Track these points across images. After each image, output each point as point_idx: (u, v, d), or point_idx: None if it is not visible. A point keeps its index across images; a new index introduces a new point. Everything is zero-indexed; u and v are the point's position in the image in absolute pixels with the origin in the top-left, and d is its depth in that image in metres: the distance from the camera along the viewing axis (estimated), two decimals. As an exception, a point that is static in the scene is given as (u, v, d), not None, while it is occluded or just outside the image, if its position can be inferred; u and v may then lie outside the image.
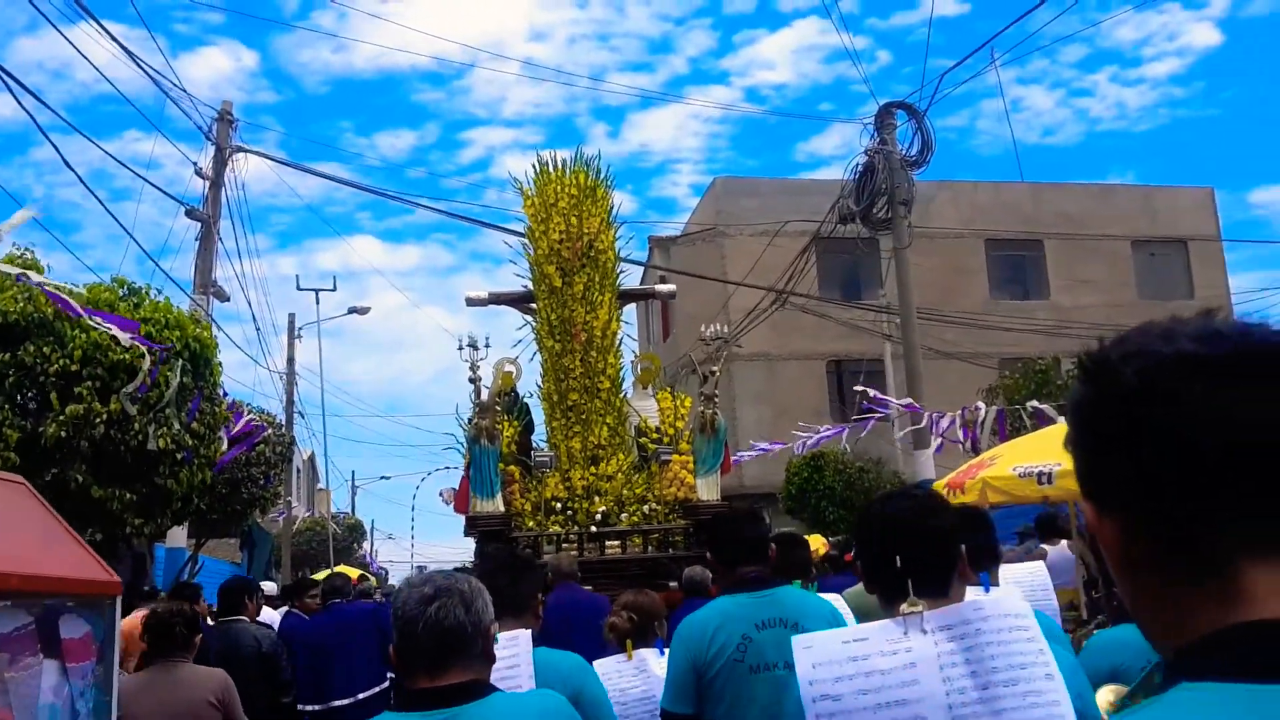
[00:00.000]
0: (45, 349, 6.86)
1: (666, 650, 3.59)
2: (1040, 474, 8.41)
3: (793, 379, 25.36)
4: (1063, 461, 8.29)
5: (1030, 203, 27.28)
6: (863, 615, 3.42)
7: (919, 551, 2.09)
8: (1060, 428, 9.06)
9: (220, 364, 8.99)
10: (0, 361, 6.76)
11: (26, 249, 7.62)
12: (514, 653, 3.01)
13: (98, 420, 6.93)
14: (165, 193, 16.27)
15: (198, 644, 5.02)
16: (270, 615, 9.49)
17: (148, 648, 4.79)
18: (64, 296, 6.22)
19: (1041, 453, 8.82)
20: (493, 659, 2.25)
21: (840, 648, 2.04)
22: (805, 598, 3.49)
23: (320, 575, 22.55)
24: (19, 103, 10.96)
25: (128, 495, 7.46)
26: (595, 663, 4.05)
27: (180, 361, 7.71)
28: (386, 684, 7.29)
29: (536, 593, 3.44)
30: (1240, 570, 0.83)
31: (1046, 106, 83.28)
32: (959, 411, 12.19)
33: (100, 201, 31.97)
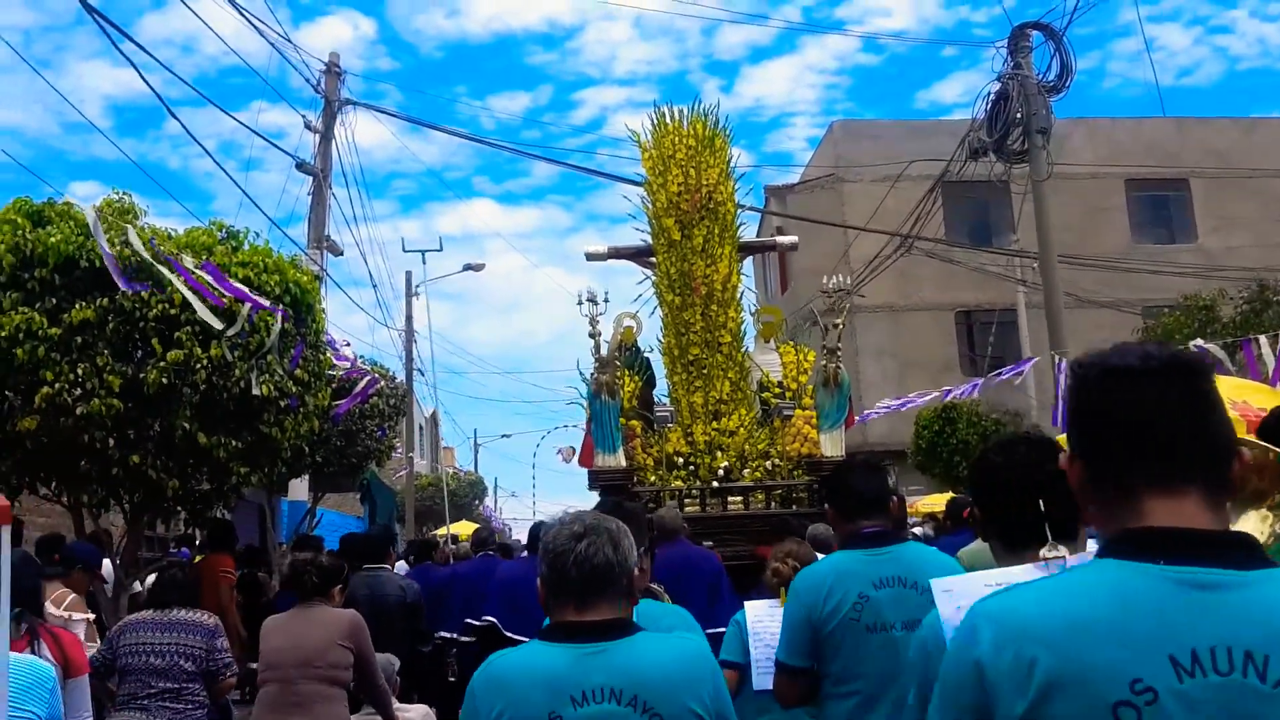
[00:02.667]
0: (144, 294, 6.66)
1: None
2: None
3: (919, 330, 24.42)
4: None
5: (1174, 139, 25.51)
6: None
7: (1054, 496, 2.03)
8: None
9: (324, 310, 8.78)
10: (99, 306, 6.60)
11: (124, 193, 7.48)
12: None
13: (199, 366, 6.75)
14: (276, 145, 16.50)
15: (338, 594, 5.29)
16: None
17: (287, 592, 5.27)
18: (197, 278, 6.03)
19: None
20: (635, 599, 2.31)
21: (984, 590, 1.89)
22: (925, 555, 3.34)
23: (440, 532, 22.65)
24: (146, 82, 11.06)
25: (234, 443, 7.27)
26: (749, 603, 4.14)
27: (281, 307, 7.47)
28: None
29: (643, 544, 3.25)
30: (1140, 497, 1.42)
31: (1183, 45, 78.81)
32: None
33: (221, 167, 32.73)
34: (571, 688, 2.09)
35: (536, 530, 10.00)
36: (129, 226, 6.32)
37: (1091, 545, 2.09)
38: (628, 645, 2.17)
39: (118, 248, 6.67)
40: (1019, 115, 12.79)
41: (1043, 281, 13.27)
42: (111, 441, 6.73)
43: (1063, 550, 2.01)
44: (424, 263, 27.02)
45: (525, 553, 9.26)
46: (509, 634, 7.81)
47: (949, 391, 17.20)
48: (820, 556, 4.25)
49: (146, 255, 6.63)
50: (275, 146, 33.26)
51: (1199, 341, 10.48)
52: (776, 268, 28.65)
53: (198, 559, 9.23)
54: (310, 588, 5.11)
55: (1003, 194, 23.28)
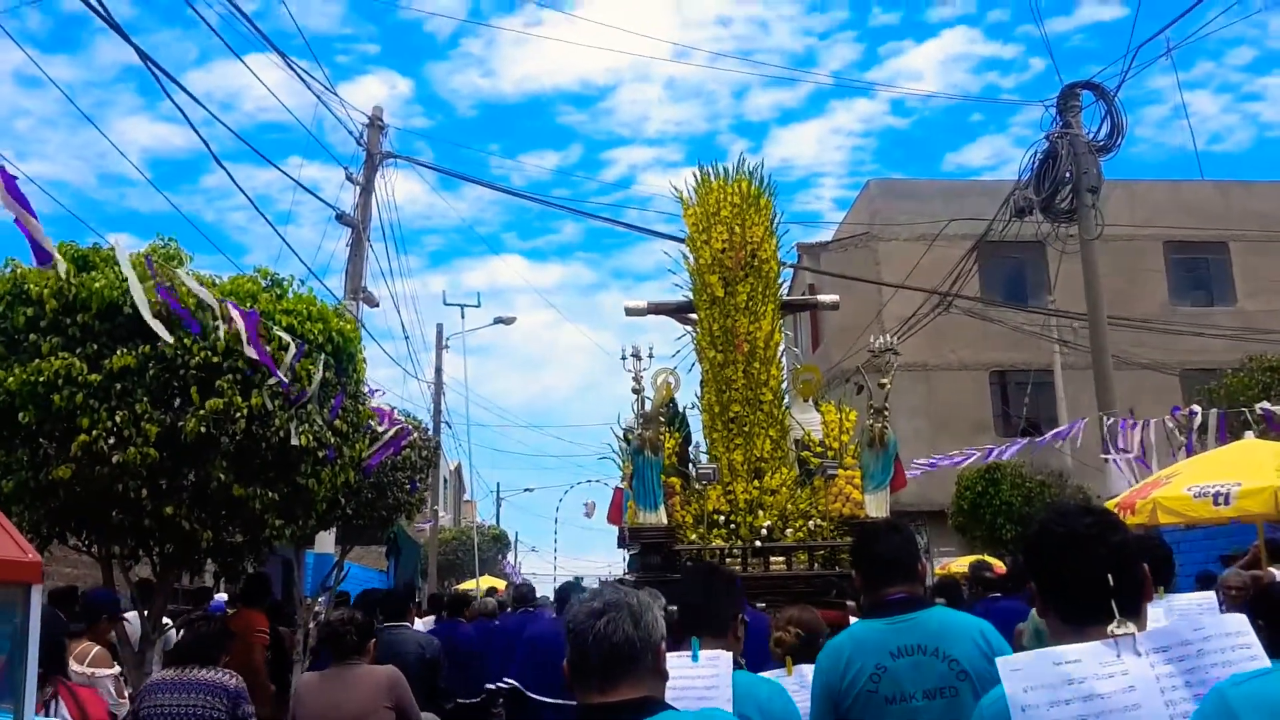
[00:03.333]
0: (186, 340, 6.52)
1: None
2: (1217, 494, 7.83)
3: (952, 390, 24.10)
4: (1243, 480, 7.81)
5: (1215, 202, 25.29)
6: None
7: (1117, 569, 2.03)
8: (1247, 443, 8.10)
9: (365, 360, 8.62)
10: (141, 354, 6.45)
11: (170, 239, 7.37)
12: (714, 673, 2.99)
13: (238, 415, 6.58)
14: (316, 195, 16.42)
15: (372, 649, 5.24)
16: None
17: (325, 651, 5.10)
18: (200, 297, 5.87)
19: (1220, 471, 8.23)
20: (665, 675, 2.19)
21: (1053, 670, 1.96)
22: (948, 619, 3.18)
23: (466, 586, 22.32)
24: (195, 130, 11.14)
25: (269, 495, 7.07)
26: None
27: (323, 356, 7.31)
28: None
29: (737, 613, 3.28)
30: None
31: (1212, 111, 78.96)
32: (1166, 416, 10.96)
33: (261, 212, 32.99)
34: None
35: (564, 592, 9.87)
36: (179, 270, 6.18)
37: (1152, 623, 2.08)
38: None
39: (159, 295, 6.53)
40: (1068, 174, 12.60)
41: (1091, 342, 13.02)
42: (144, 491, 6.55)
43: (1132, 627, 1.96)
44: (463, 316, 27.91)
45: (554, 612, 9.17)
46: (532, 695, 7.63)
47: (992, 451, 16.88)
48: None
49: (205, 294, 6.50)
50: (316, 196, 33.42)
51: (1265, 404, 10.17)
52: (808, 326, 28.45)
53: (229, 612, 9.02)
54: (350, 647, 5.04)
55: (1039, 254, 23.10)
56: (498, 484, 55.23)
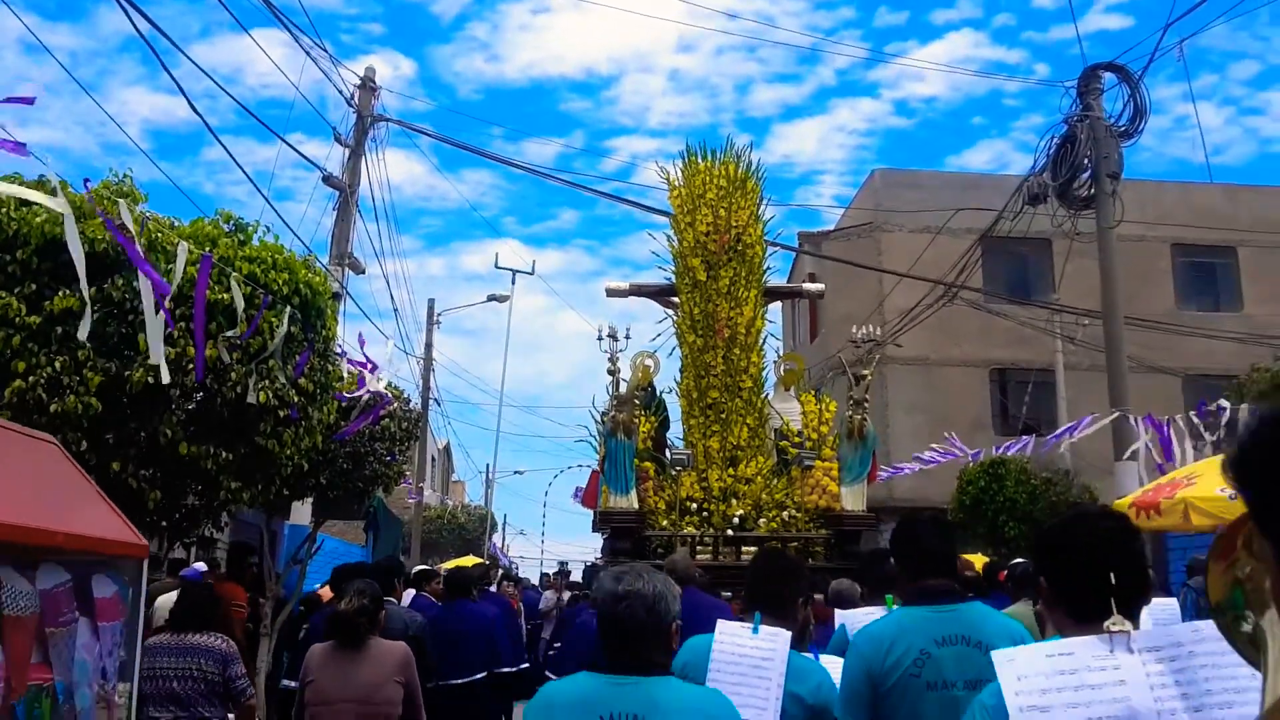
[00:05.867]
0: (135, 284, 6.03)
1: (819, 656, 3.72)
2: None
3: (952, 386, 23.68)
4: None
5: (1224, 206, 24.81)
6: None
7: (1128, 572, 2.11)
8: None
9: (336, 317, 8.13)
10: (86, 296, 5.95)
11: (125, 174, 6.87)
12: (771, 647, 3.29)
13: (190, 367, 6.09)
14: (305, 157, 15.87)
15: (383, 620, 5.28)
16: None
17: (336, 639, 5.00)
18: (124, 235, 5.31)
19: None
20: (671, 651, 2.61)
21: (1045, 661, 2.03)
22: (989, 615, 3.27)
23: (449, 565, 21.92)
24: (192, 105, 10.69)
25: (224, 454, 6.59)
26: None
27: (289, 309, 6.82)
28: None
29: (798, 597, 3.54)
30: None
31: (1215, 124, 78.80)
32: (1191, 413, 10.49)
33: (256, 185, 32.56)
34: (602, 709, 2.42)
35: (591, 574, 9.74)
36: (121, 201, 5.69)
37: (1146, 623, 2.16)
38: (659, 684, 2.47)
39: (110, 234, 6.04)
40: (1087, 159, 12.10)
41: (1105, 334, 12.53)
42: (85, 444, 6.07)
43: (1128, 625, 2.03)
44: (513, 282, 27.50)
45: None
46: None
47: (1000, 448, 16.48)
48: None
49: (142, 242, 5.99)
50: (302, 156, 33.12)
51: None
52: (807, 315, 28.01)
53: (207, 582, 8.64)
54: (362, 635, 4.97)
55: (1044, 251, 22.64)
56: (487, 465, 54.83)
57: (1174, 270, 24.88)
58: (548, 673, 6.94)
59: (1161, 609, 4.99)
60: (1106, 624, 2.02)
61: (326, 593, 9.20)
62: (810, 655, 3.63)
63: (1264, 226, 24.45)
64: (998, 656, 2.09)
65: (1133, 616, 2.08)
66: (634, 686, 2.44)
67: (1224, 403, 9.96)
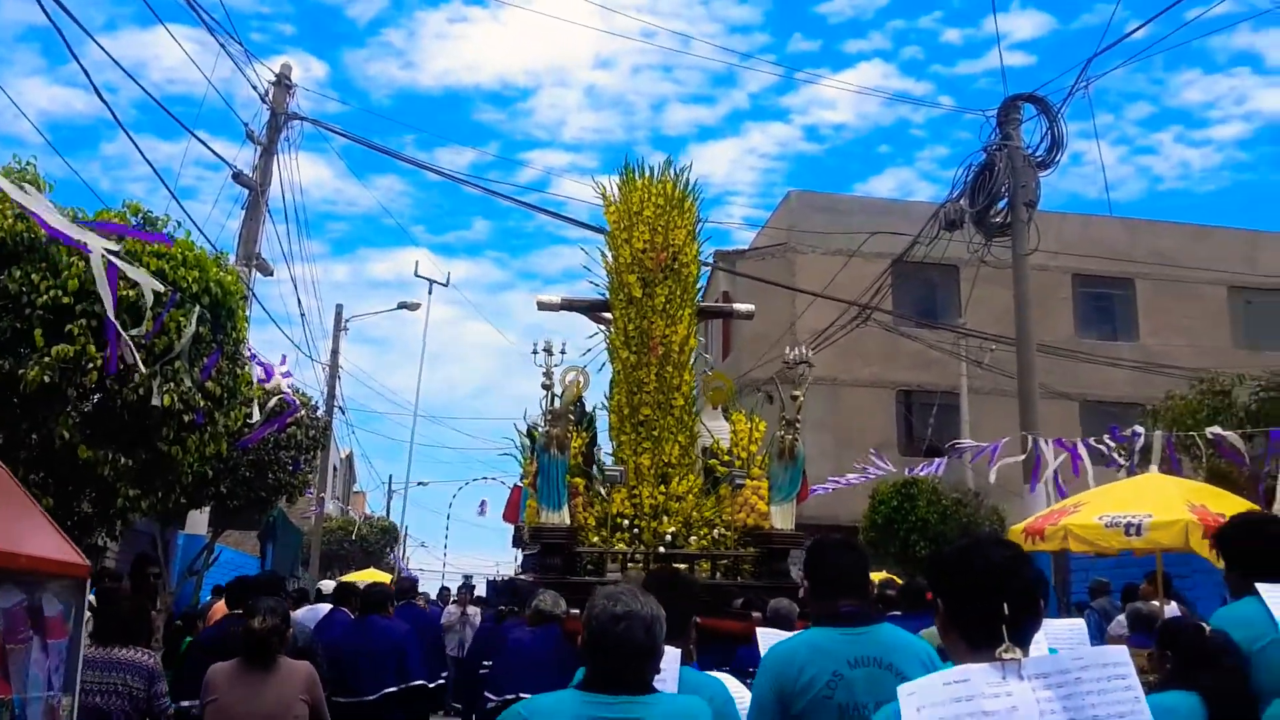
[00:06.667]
0: (34, 276, 5.69)
1: (738, 677, 3.62)
2: (1129, 525, 7.87)
3: (859, 407, 24.02)
4: (1154, 513, 7.86)
5: (1122, 239, 25.69)
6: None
7: (1020, 600, 2.16)
8: (1152, 477, 8.28)
9: (247, 318, 7.81)
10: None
11: (28, 162, 6.49)
12: (662, 669, 3.17)
13: (90, 367, 5.76)
14: (214, 152, 15.32)
15: (289, 636, 5.25)
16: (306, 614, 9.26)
17: (245, 657, 4.95)
18: (35, 210, 5.03)
19: (1130, 502, 8.26)
20: (657, 669, 2.66)
21: (943, 689, 2.09)
22: (899, 637, 3.26)
23: (349, 577, 21.36)
24: (100, 95, 10.24)
25: (124, 461, 6.25)
26: None
27: (197, 308, 6.51)
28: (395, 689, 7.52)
29: (691, 615, 3.49)
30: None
31: (1109, 161, 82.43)
32: (1103, 436, 10.73)
33: (162, 178, 31.45)
34: None
35: (515, 588, 9.62)
36: (22, 186, 5.35)
37: (1035, 650, 2.26)
38: (652, 701, 2.54)
39: (10, 220, 5.69)
40: (1004, 188, 12.36)
41: (1018, 361, 12.82)
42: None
43: (1019, 653, 2.10)
44: (430, 293, 28.66)
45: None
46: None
47: (912, 469, 16.70)
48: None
49: (40, 234, 5.65)
50: (212, 151, 32.23)
51: (1216, 429, 9.96)
52: (719, 333, 28.12)
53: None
54: (273, 654, 4.92)
55: (952, 277, 23.13)
56: (390, 476, 53.89)
57: (1074, 299, 25.68)
58: (486, 693, 6.71)
59: (1069, 630, 5.09)
60: (998, 651, 2.09)
61: (222, 608, 8.83)
62: (715, 673, 3.58)
63: (1160, 260, 25.39)
64: (902, 692, 2.15)
65: (1024, 644, 2.15)
66: (630, 705, 2.48)
67: (1139, 429, 10.21)
